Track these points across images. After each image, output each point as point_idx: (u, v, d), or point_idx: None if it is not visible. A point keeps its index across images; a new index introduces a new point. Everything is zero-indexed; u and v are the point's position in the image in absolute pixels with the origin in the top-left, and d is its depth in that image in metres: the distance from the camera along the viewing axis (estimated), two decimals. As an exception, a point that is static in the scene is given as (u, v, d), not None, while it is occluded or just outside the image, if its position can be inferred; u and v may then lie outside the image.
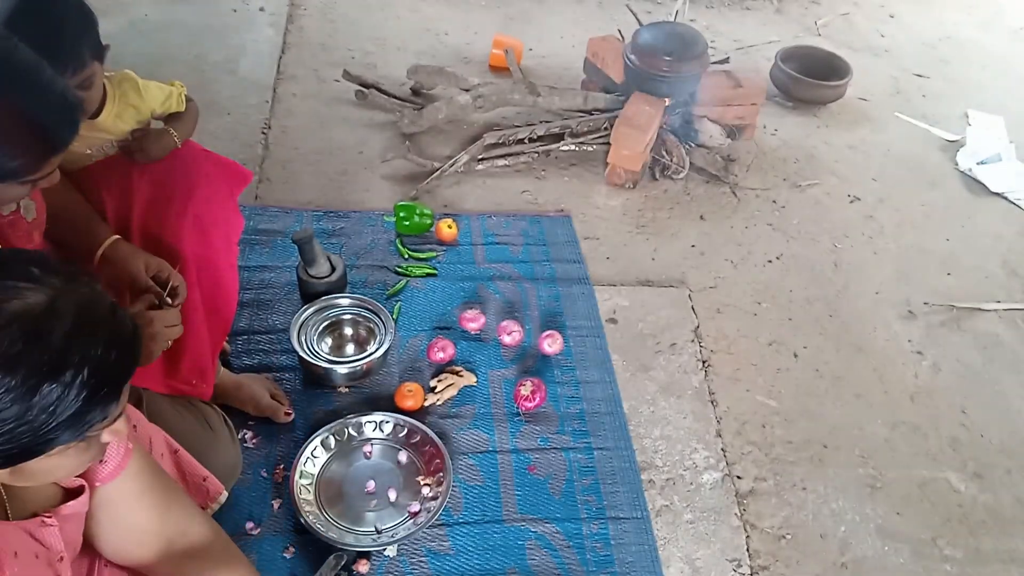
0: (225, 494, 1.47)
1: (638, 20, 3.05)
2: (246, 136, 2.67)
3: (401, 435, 1.81)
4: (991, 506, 1.93)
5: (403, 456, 1.79)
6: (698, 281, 2.40)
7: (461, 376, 1.96)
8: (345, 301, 2.00)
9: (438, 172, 2.57)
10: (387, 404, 1.89)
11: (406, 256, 2.29)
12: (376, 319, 1.99)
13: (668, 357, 2.15)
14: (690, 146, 2.79)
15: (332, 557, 1.57)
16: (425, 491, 1.71)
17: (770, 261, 2.52)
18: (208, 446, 1.53)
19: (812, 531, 1.82)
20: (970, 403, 2.17)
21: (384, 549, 1.62)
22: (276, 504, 1.68)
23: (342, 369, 1.88)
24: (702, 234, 2.58)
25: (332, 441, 1.78)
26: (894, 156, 3.09)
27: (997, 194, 2.94)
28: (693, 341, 2.20)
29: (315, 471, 1.73)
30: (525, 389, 1.91)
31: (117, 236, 1.42)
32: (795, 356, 2.22)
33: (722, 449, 1.95)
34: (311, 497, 1.68)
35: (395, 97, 2.87)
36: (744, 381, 2.13)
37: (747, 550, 1.76)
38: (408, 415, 1.84)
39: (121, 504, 1.10)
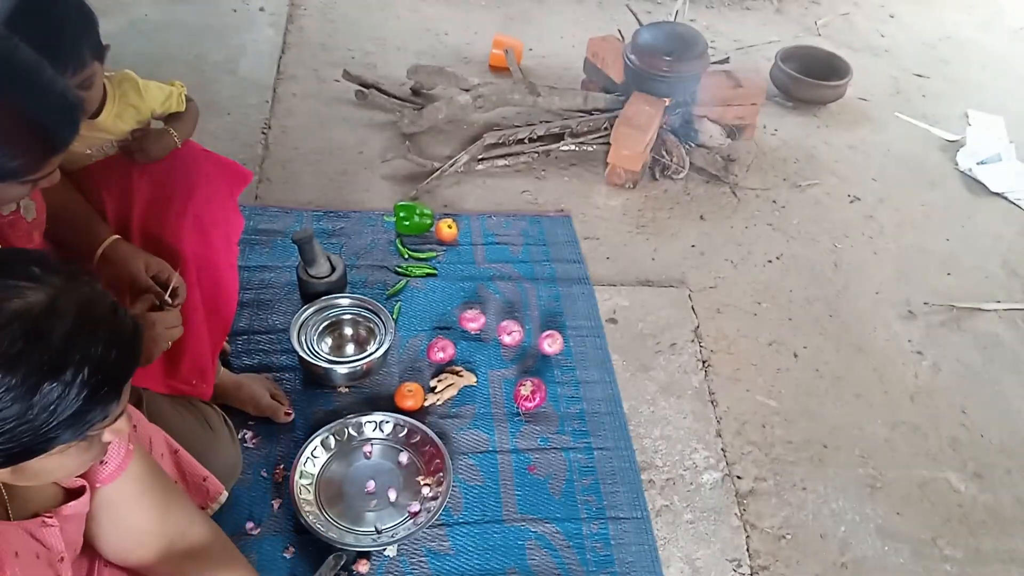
0: (225, 494, 1.47)
1: (638, 20, 3.05)
2: (246, 136, 2.67)
3: (401, 435, 1.81)
4: (991, 506, 1.93)
5: (403, 456, 1.79)
6: (698, 281, 2.40)
7: (461, 376, 1.96)
8: (345, 301, 2.00)
9: (438, 172, 2.57)
10: (387, 404, 1.89)
11: (406, 256, 2.30)
12: (376, 319, 1.99)
13: (668, 357, 2.15)
14: (690, 146, 2.80)
15: (332, 557, 1.57)
16: (425, 491, 1.71)
17: (770, 261, 2.52)
18: (208, 446, 1.53)
19: (812, 531, 1.82)
20: (970, 403, 2.17)
21: (384, 549, 1.62)
22: (276, 504, 1.68)
23: (342, 369, 1.88)
24: (702, 234, 2.58)
25: (332, 441, 1.78)
26: (894, 156, 3.09)
27: (997, 194, 2.94)
28: (693, 341, 2.20)
29: (315, 471, 1.73)
30: (525, 389, 1.91)
31: (117, 236, 1.42)
32: (795, 356, 2.22)
33: (722, 449, 1.95)
34: (311, 497, 1.68)
35: (395, 97, 2.87)
36: (744, 381, 2.13)
37: (747, 550, 1.76)
38: (408, 415, 1.84)
39: (122, 505, 1.10)
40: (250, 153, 2.59)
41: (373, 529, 1.64)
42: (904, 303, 2.44)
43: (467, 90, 2.78)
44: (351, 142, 2.73)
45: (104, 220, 1.46)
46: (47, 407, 0.79)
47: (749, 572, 1.72)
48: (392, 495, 1.71)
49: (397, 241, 2.33)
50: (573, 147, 2.77)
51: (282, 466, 1.74)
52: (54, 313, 0.81)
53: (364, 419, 1.81)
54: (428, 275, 2.24)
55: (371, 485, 1.72)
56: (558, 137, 2.78)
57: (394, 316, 2.08)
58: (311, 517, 1.62)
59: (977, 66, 3.80)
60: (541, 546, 1.68)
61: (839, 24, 4.00)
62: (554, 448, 1.87)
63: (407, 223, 2.32)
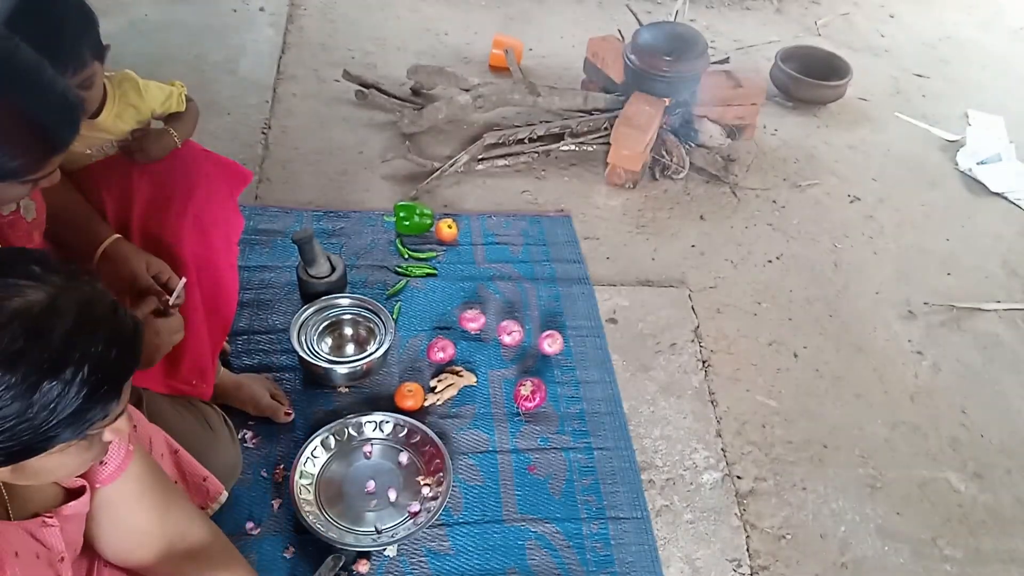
0: (225, 494, 1.47)
1: (638, 20, 3.05)
2: (246, 136, 2.67)
3: (401, 435, 1.81)
4: (991, 506, 1.93)
5: (403, 456, 1.79)
6: (698, 281, 2.40)
7: (461, 376, 1.96)
8: (345, 301, 2.00)
9: (438, 172, 2.57)
10: (387, 404, 1.89)
11: (406, 256, 2.30)
12: (376, 319, 1.99)
13: (668, 357, 2.15)
14: (690, 146, 2.80)
15: (331, 557, 1.57)
16: (425, 491, 1.71)
17: (770, 261, 2.52)
18: (208, 446, 1.53)
19: (812, 531, 1.82)
20: (970, 403, 2.17)
21: (384, 549, 1.62)
22: (276, 504, 1.68)
23: (342, 369, 1.88)
24: (702, 234, 2.58)
25: (332, 441, 1.78)
26: (894, 156, 3.09)
27: (997, 194, 2.94)
28: (693, 341, 2.20)
29: (315, 471, 1.73)
30: (525, 389, 1.91)
31: (118, 235, 1.42)
32: (795, 356, 2.22)
33: (722, 449, 1.95)
34: (311, 497, 1.68)
35: (395, 97, 2.87)
36: (744, 381, 2.13)
37: (747, 550, 1.76)
38: (408, 415, 1.84)
39: (121, 506, 1.10)
40: (250, 153, 2.59)
41: (373, 529, 1.64)
42: (904, 303, 2.44)
43: (467, 90, 2.78)
44: (351, 142, 2.73)
45: (104, 220, 1.46)
46: (47, 405, 0.79)
47: (749, 572, 1.72)
48: (392, 495, 1.71)
49: (397, 241, 2.33)
50: (573, 147, 2.77)
51: (282, 466, 1.74)
52: (54, 312, 0.81)
53: (364, 419, 1.81)
54: (428, 275, 2.24)
55: (371, 485, 1.72)
56: (558, 137, 2.78)
57: (394, 316, 2.09)
58: (311, 517, 1.62)
59: (977, 66, 3.80)
60: (541, 546, 1.68)
61: (839, 24, 4.00)
62: (554, 448, 1.87)
63: (407, 223, 2.32)
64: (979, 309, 2.46)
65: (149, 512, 1.14)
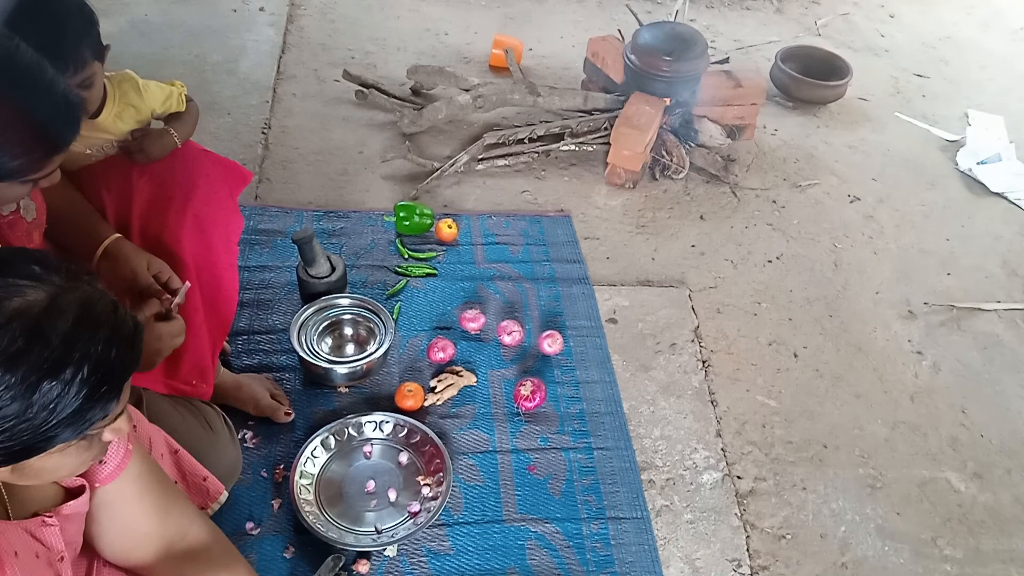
0: (225, 494, 1.47)
1: (638, 20, 3.05)
2: (246, 136, 2.67)
3: (401, 435, 1.81)
4: (991, 506, 1.93)
5: (403, 456, 1.79)
6: (698, 281, 2.40)
7: (461, 376, 1.96)
8: (345, 301, 2.00)
9: (438, 172, 2.57)
10: (387, 404, 1.89)
11: (406, 256, 2.30)
12: (376, 319, 1.99)
13: (668, 357, 2.15)
14: (690, 146, 2.80)
15: (331, 558, 1.57)
16: (425, 491, 1.71)
17: (770, 261, 2.52)
18: (208, 446, 1.53)
19: (812, 531, 1.82)
20: (970, 403, 2.17)
21: (384, 549, 1.62)
22: (276, 504, 1.68)
23: (342, 369, 1.88)
24: (702, 234, 2.58)
25: (332, 441, 1.78)
26: (894, 156, 3.09)
27: (997, 194, 2.94)
28: (693, 341, 2.20)
29: (315, 471, 1.73)
30: (525, 389, 1.91)
31: (119, 235, 1.42)
32: (795, 356, 2.22)
33: (722, 449, 1.95)
34: (311, 497, 1.68)
35: (395, 97, 2.87)
36: (744, 381, 2.13)
37: (747, 550, 1.76)
38: (408, 415, 1.84)
39: (121, 505, 1.10)
40: (250, 153, 2.60)
41: (373, 529, 1.64)
42: (904, 303, 2.44)
43: (467, 90, 2.78)
44: (351, 142, 2.73)
45: (104, 219, 1.46)
46: (47, 406, 0.79)
47: (749, 572, 1.72)
48: (392, 495, 1.71)
49: (397, 241, 2.33)
50: (573, 147, 2.77)
51: (282, 466, 1.74)
52: (54, 312, 0.81)
53: (364, 419, 1.81)
54: (428, 275, 2.24)
55: (371, 485, 1.72)
56: (558, 137, 2.78)
57: (394, 316, 2.09)
58: (311, 517, 1.62)
59: (977, 66, 3.80)
60: (541, 546, 1.68)
61: (839, 24, 4.00)
62: (554, 448, 1.87)
63: (407, 223, 2.32)
64: (979, 309, 2.46)
65: (148, 511, 1.14)
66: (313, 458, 1.74)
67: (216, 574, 1.21)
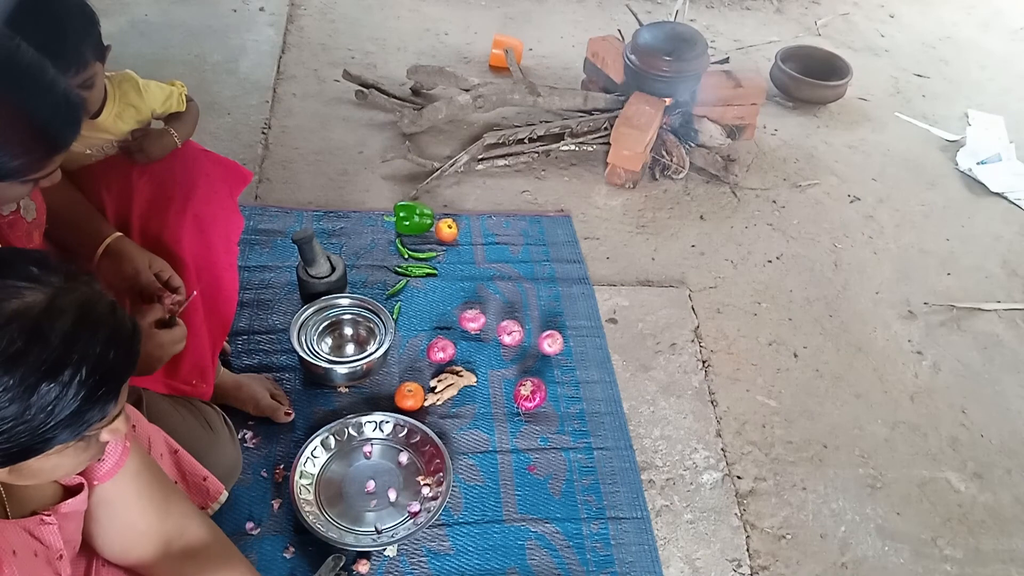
0: (225, 494, 1.47)
1: (638, 20, 3.05)
2: (246, 136, 2.67)
3: (401, 435, 1.81)
4: (991, 506, 1.93)
5: (403, 456, 1.79)
6: (698, 281, 2.40)
7: (461, 376, 1.96)
8: (345, 301, 2.00)
9: (438, 172, 2.57)
10: (387, 404, 1.89)
11: (406, 256, 2.30)
12: (376, 319, 1.99)
13: (668, 357, 2.15)
14: (690, 146, 2.80)
15: (331, 558, 1.57)
16: (425, 491, 1.71)
17: (770, 261, 2.52)
18: (208, 446, 1.53)
19: (812, 531, 1.82)
20: (970, 403, 2.17)
21: (384, 549, 1.62)
22: (276, 504, 1.68)
23: (342, 369, 1.88)
24: (702, 234, 2.58)
25: (332, 441, 1.78)
26: (894, 156, 3.09)
27: (997, 194, 2.94)
28: (693, 341, 2.20)
29: (315, 471, 1.73)
30: (525, 389, 1.91)
31: (120, 233, 1.42)
32: (795, 356, 2.22)
33: (722, 449, 1.95)
34: (311, 497, 1.68)
35: (395, 97, 2.87)
36: (744, 381, 2.13)
37: (747, 550, 1.76)
38: (408, 415, 1.84)
39: (119, 503, 1.10)
40: (250, 153, 2.60)
41: (373, 529, 1.64)
42: (904, 303, 2.44)
43: (467, 90, 2.78)
44: (351, 142, 2.73)
45: (105, 219, 1.46)
46: (45, 407, 0.79)
47: (749, 572, 1.72)
48: (392, 495, 1.71)
49: (397, 241, 2.33)
50: (573, 147, 2.77)
51: (282, 466, 1.74)
52: (53, 313, 0.81)
53: (364, 419, 1.81)
54: (428, 275, 2.24)
55: (371, 485, 1.72)
56: (558, 137, 2.78)
57: (394, 316, 2.09)
58: (311, 517, 1.62)
59: (977, 66, 3.80)
60: (541, 546, 1.68)
61: (839, 24, 4.00)
62: (554, 448, 1.87)
63: (407, 223, 2.32)
64: (979, 309, 2.46)
65: (147, 509, 1.14)
66: (313, 458, 1.74)
67: (215, 572, 1.21)
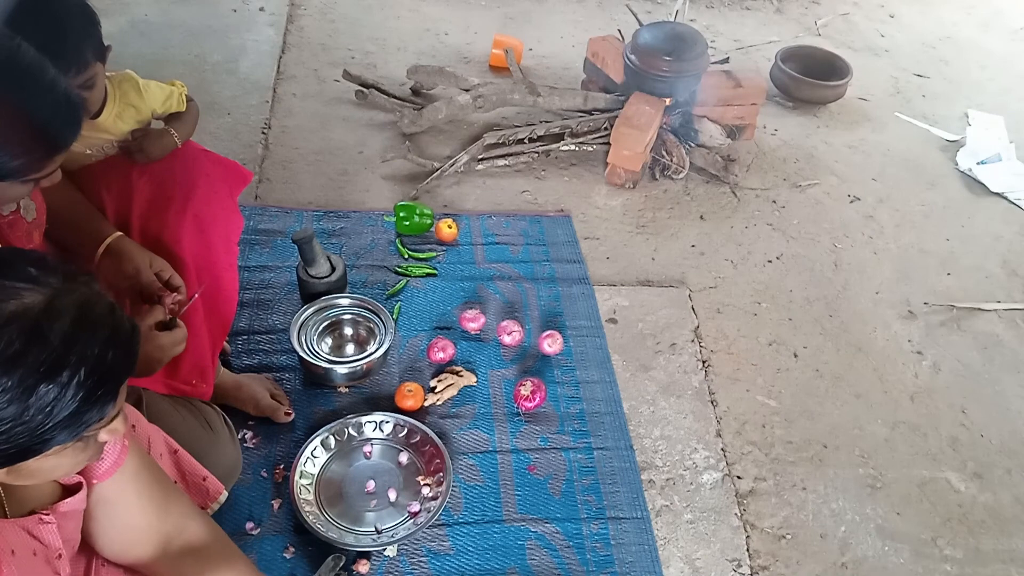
0: (225, 494, 1.47)
1: (638, 20, 3.05)
2: (246, 136, 2.67)
3: (401, 435, 1.81)
4: (991, 506, 1.93)
5: (403, 456, 1.79)
6: (698, 281, 2.40)
7: (461, 376, 1.96)
8: (345, 301, 2.00)
9: (438, 172, 2.57)
10: (387, 404, 1.89)
11: (406, 256, 2.30)
12: (376, 319, 1.99)
13: (668, 357, 2.15)
14: (690, 146, 2.80)
15: (331, 558, 1.57)
16: (425, 491, 1.71)
17: (770, 261, 2.52)
18: (208, 446, 1.53)
19: (812, 531, 1.82)
20: (970, 403, 2.17)
21: (384, 549, 1.62)
22: (276, 504, 1.68)
23: (342, 369, 1.88)
24: (702, 234, 2.58)
25: (332, 441, 1.78)
26: (894, 156, 3.09)
27: (997, 194, 2.94)
28: (693, 341, 2.20)
29: (315, 471, 1.73)
30: (525, 389, 1.91)
31: (121, 232, 1.42)
32: (795, 356, 2.22)
33: (722, 449, 1.95)
34: (311, 497, 1.68)
35: (395, 97, 2.87)
36: (744, 381, 2.13)
37: (747, 550, 1.76)
38: (408, 415, 1.84)
39: (119, 502, 1.10)
40: (250, 153, 2.60)
41: (373, 529, 1.64)
42: (904, 303, 2.44)
43: (467, 90, 2.78)
44: (351, 142, 2.73)
45: (105, 219, 1.46)
46: (43, 408, 0.79)
47: (749, 572, 1.72)
48: (392, 495, 1.71)
49: (397, 241, 2.33)
50: (573, 147, 2.77)
51: (282, 466, 1.74)
52: (51, 314, 0.80)
53: (364, 419, 1.81)
54: (428, 275, 2.24)
55: (371, 485, 1.72)
56: (558, 137, 2.78)
57: (394, 316, 2.09)
58: (311, 517, 1.62)
59: (977, 66, 3.80)
60: (541, 546, 1.68)
61: (839, 24, 4.00)
62: (554, 448, 1.87)
63: (407, 223, 2.32)
64: (979, 309, 2.46)
65: (146, 507, 1.14)
66: (313, 458, 1.74)
67: (215, 570, 1.21)
